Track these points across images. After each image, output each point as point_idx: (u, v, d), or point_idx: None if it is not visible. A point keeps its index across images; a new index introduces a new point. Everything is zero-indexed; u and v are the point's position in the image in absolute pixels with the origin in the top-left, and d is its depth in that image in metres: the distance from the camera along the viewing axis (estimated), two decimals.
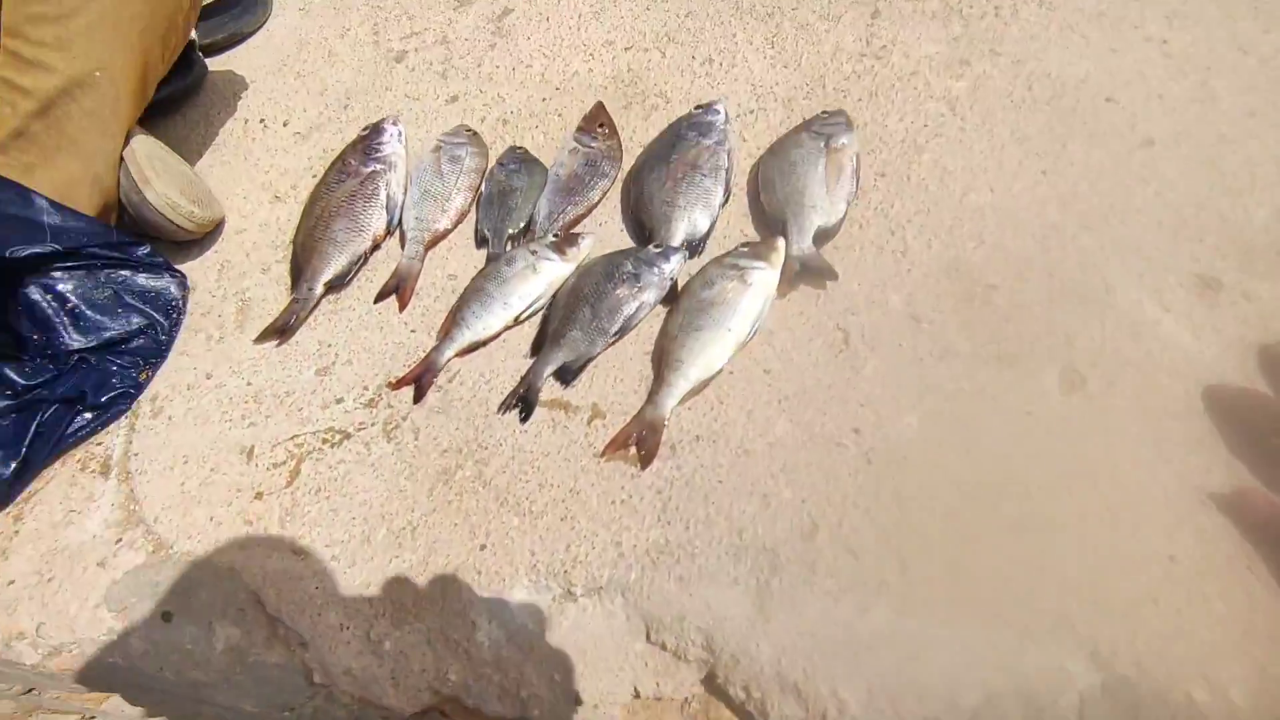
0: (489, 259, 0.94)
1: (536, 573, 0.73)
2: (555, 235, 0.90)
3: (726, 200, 0.91)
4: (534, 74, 1.14)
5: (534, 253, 0.88)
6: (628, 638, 0.70)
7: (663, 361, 0.80)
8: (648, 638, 0.69)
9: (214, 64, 1.34)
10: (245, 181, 1.15)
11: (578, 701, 0.69)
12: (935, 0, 1.04)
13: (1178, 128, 0.85)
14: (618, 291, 0.82)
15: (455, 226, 1.00)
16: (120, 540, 0.85)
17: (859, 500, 0.70)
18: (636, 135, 1.02)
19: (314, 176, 1.12)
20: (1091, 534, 0.64)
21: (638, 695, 0.69)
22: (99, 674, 0.82)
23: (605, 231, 0.95)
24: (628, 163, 0.99)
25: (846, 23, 1.06)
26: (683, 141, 0.91)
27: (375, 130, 1.04)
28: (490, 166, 1.01)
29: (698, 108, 0.95)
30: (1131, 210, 0.80)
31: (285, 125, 1.21)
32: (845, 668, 0.63)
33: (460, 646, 0.72)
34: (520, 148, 1.01)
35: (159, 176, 0.98)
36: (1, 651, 0.83)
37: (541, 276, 0.87)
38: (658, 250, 0.84)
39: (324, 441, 0.87)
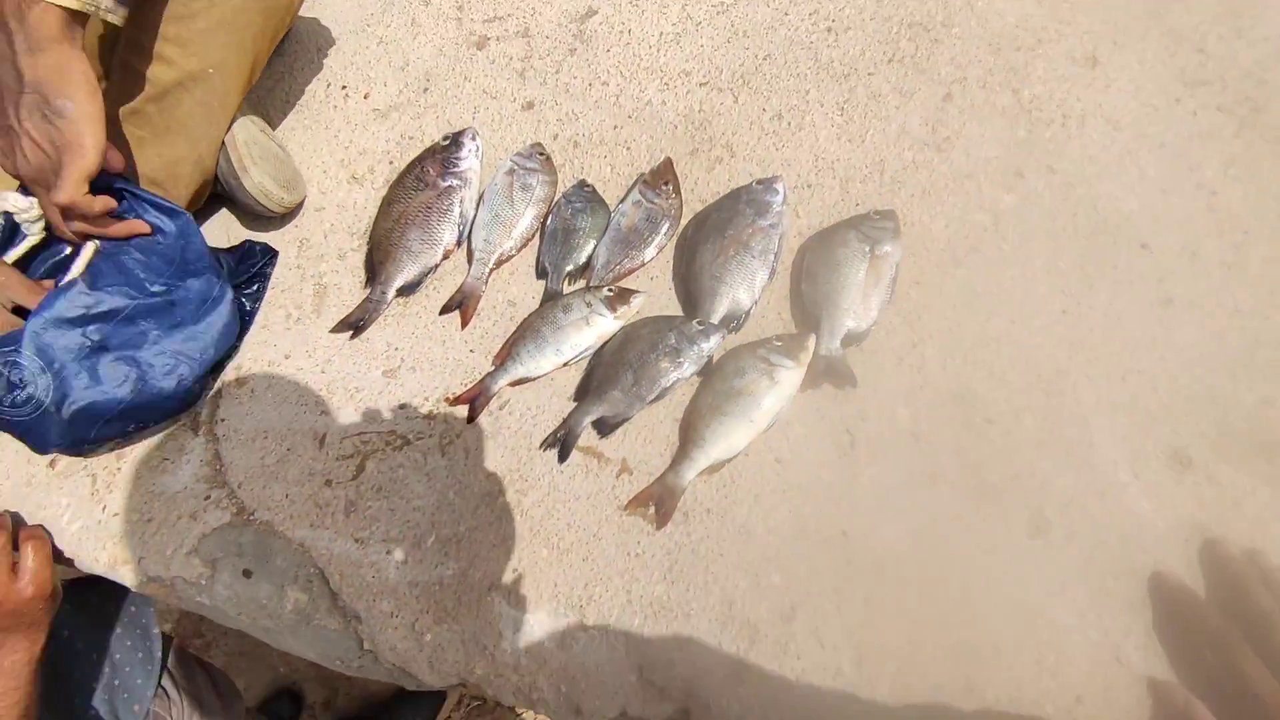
0: (546, 294, 1.03)
1: (557, 601, 0.88)
2: (610, 290, 0.99)
3: (770, 280, 0.98)
4: (609, 94, 1.18)
5: (589, 305, 0.97)
6: (624, 669, 0.85)
7: (689, 435, 0.91)
8: (640, 673, 0.85)
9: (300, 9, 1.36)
10: (325, 155, 1.22)
11: (577, 711, 0.85)
12: (1008, 95, 1.06)
13: (1199, 291, 0.91)
14: (660, 363, 0.92)
15: (520, 250, 1.08)
16: (209, 497, 0.99)
17: (834, 597, 0.83)
18: (698, 188, 1.08)
19: (391, 163, 1.19)
20: (1019, 665, 0.78)
21: (624, 715, 0.85)
22: (187, 606, 1.00)
23: (655, 287, 1.03)
24: (687, 212, 1.06)
25: (918, 101, 1.08)
26: (739, 218, 0.98)
27: (455, 144, 1.09)
28: (558, 198, 1.08)
29: (759, 182, 1.00)
30: (1134, 370, 0.88)
31: (366, 99, 1.26)
32: None
33: (487, 650, 0.88)
34: (588, 185, 1.08)
35: (255, 165, 1.05)
36: (106, 573, 1.00)
37: (593, 329, 0.97)
38: (700, 328, 0.93)
39: (387, 444, 0.99)
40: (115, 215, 0.89)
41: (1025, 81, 1.08)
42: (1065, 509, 0.83)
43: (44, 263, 0.94)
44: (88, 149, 0.78)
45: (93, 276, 0.89)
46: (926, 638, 0.80)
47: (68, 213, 0.85)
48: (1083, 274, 0.94)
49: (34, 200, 0.87)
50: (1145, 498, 0.82)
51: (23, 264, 0.93)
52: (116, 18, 0.79)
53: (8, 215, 0.89)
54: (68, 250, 0.93)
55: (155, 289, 0.93)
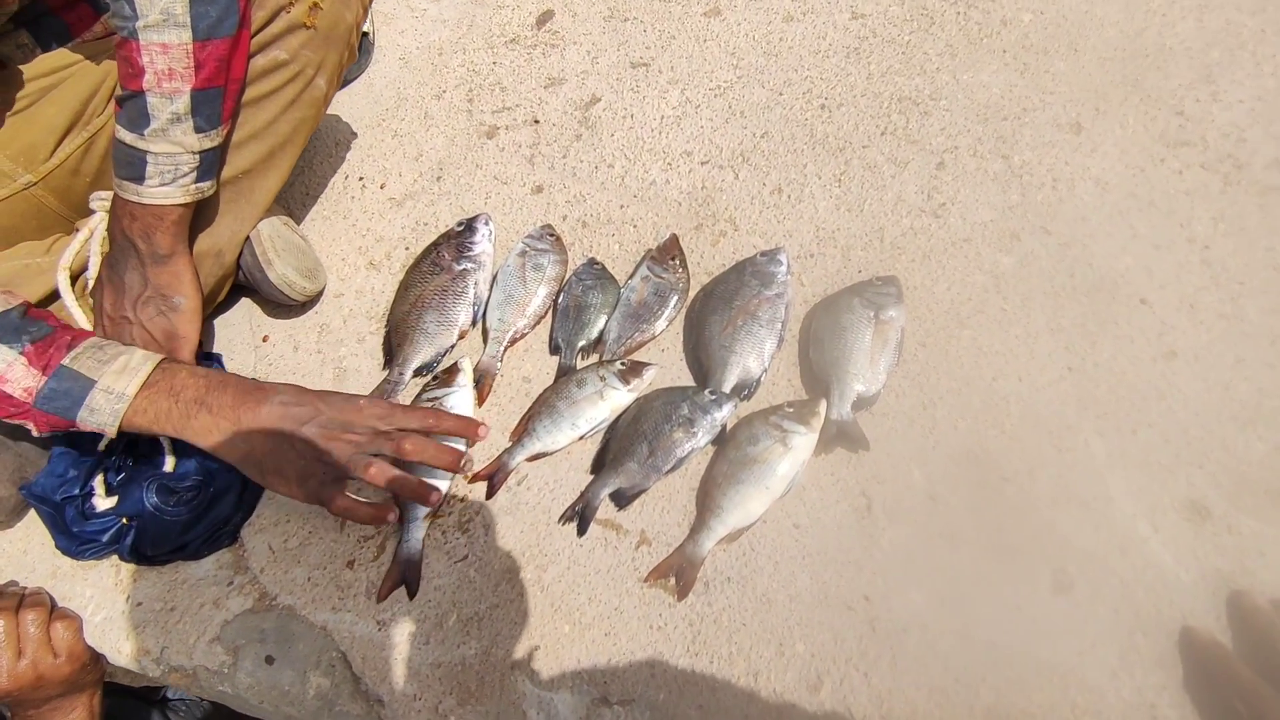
0: (560, 369, 1.06)
1: (580, 678, 0.87)
2: (623, 364, 1.01)
3: (779, 348, 1.00)
4: (615, 175, 1.23)
5: (603, 379, 1.00)
6: None
7: (706, 505, 0.91)
8: None
9: None
10: (344, 243, 1.27)
11: None
12: (999, 162, 1.11)
13: (1201, 343, 0.92)
14: (674, 435, 0.94)
15: (533, 328, 1.11)
16: (231, 583, 1.00)
17: (860, 664, 0.82)
18: (703, 261, 1.12)
19: (407, 249, 1.24)
20: None
21: None
22: (209, 695, 0.99)
23: (666, 358, 1.05)
24: (694, 285, 1.09)
25: (912, 170, 1.13)
26: (745, 289, 1.01)
27: (469, 229, 1.14)
28: (568, 276, 1.12)
29: (762, 254, 1.04)
30: (1144, 423, 0.89)
31: (382, 188, 1.32)
32: None
33: None
34: (598, 263, 1.11)
35: (280, 257, 1.10)
36: (128, 664, 1.00)
37: (607, 403, 0.99)
38: (712, 398, 0.95)
39: None
40: None
41: (1014, 148, 1.13)
42: (1087, 565, 0.83)
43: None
44: (194, 332, 0.98)
45: (181, 460, 1.00)
46: (957, 703, 0.79)
47: None
48: (1085, 330, 0.96)
49: None
50: (1167, 550, 0.82)
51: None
52: (214, 189, 0.98)
53: None
54: (145, 442, 1.02)
55: None
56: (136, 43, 0.84)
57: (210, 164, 0.95)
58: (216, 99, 0.90)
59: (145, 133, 0.88)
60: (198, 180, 0.93)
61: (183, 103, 0.87)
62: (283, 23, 0.96)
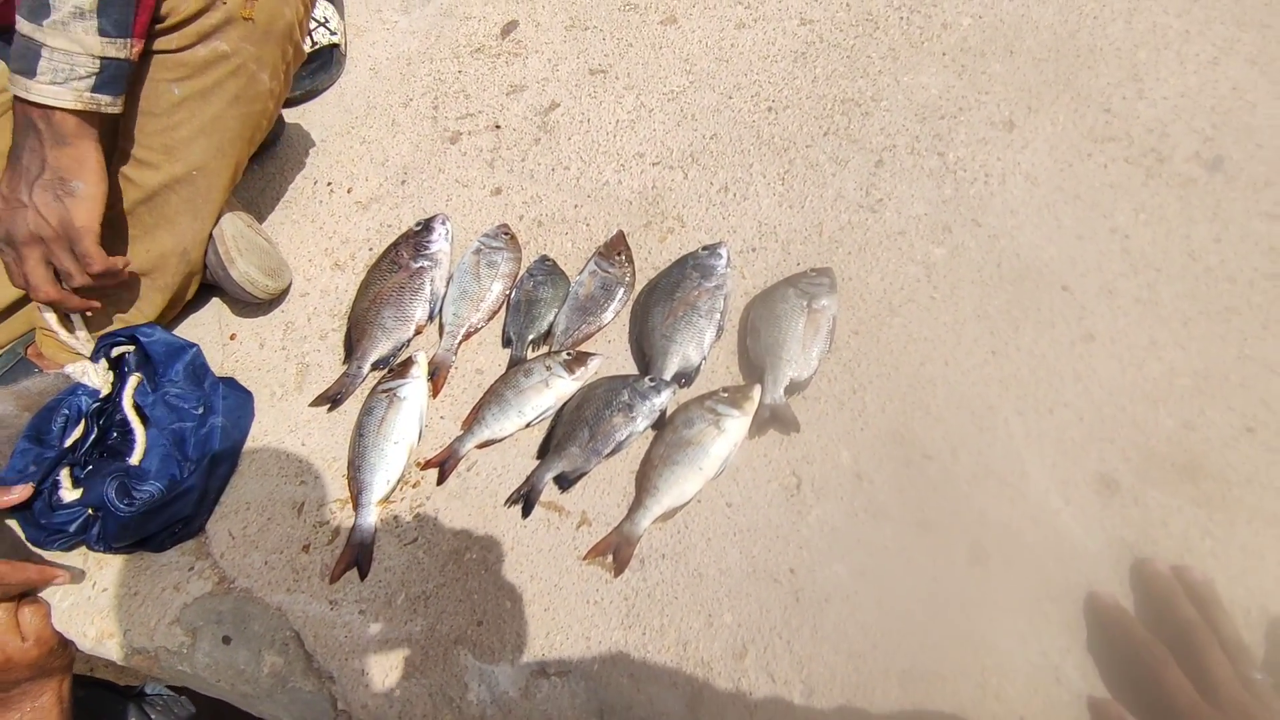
0: (511, 361, 1.10)
1: (519, 651, 0.91)
2: (568, 354, 1.05)
3: (718, 338, 1.04)
4: (570, 177, 1.28)
5: (548, 368, 1.04)
6: (586, 714, 0.87)
7: (643, 486, 0.95)
8: (601, 717, 0.86)
9: (290, 115, 1.50)
10: (310, 245, 1.32)
11: None
12: (934, 159, 1.15)
13: (1118, 326, 0.96)
14: (614, 419, 0.98)
15: (487, 322, 1.15)
16: (192, 568, 1.04)
17: (783, 632, 0.85)
18: (651, 257, 1.16)
19: (371, 249, 1.28)
20: (962, 691, 0.79)
21: None
22: (169, 676, 1.03)
23: (613, 349, 1.09)
24: (641, 280, 1.14)
25: (852, 168, 1.17)
26: (686, 281, 1.05)
27: (427, 228, 1.19)
28: (521, 273, 1.16)
29: (704, 249, 1.08)
30: (1060, 403, 0.92)
31: (349, 192, 1.37)
32: None
33: (454, 702, 0.90)
34: (549, 260, 1.16)
35: (242, 255, 1.15)
36: (93, 647, 1.03)
37: (552, 391, 1.03)
38: (652, 385, 0.99)
39: None
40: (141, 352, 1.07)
41: (950, 145, 1.17)
42: (1002, 538, 0.86)
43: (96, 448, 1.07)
44: (93, 222, 0.94)
45: (148, 455, 1.03)
46: (873, 667, 0.82)
47: (100, 275, 0.99)
48: (1009, 317, 1.00)
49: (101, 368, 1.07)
50: (1076, 522, 0.85)
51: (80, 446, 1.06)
52: (116, 108, 0.94)
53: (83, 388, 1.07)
54: (115, 435, 1.06)
55: (197, 410, 1.07)
56: None
57: (114, 77, 0.90)
58: (128, 2, 0.87)
59: (44, 23, 0.84)
60: (95, 89, 0.88)
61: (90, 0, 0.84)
62: (220, 13, 0.99)
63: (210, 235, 1.15)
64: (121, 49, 0.89)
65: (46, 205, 0.92)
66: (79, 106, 0.88)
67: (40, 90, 0.86)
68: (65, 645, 0.97)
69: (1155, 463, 0.87)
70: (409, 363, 1.10)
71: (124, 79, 0.93)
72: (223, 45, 1.02)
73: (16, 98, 0.88)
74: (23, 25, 0.85)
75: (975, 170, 1.13)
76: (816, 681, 0.82)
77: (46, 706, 0.93)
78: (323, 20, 1.50)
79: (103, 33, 0.87)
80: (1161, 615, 0.76)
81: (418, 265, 1.16)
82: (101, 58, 0.88)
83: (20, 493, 0.97)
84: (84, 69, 0.87)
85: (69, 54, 0.86)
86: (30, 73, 0.86)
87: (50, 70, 0.86)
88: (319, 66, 1.52)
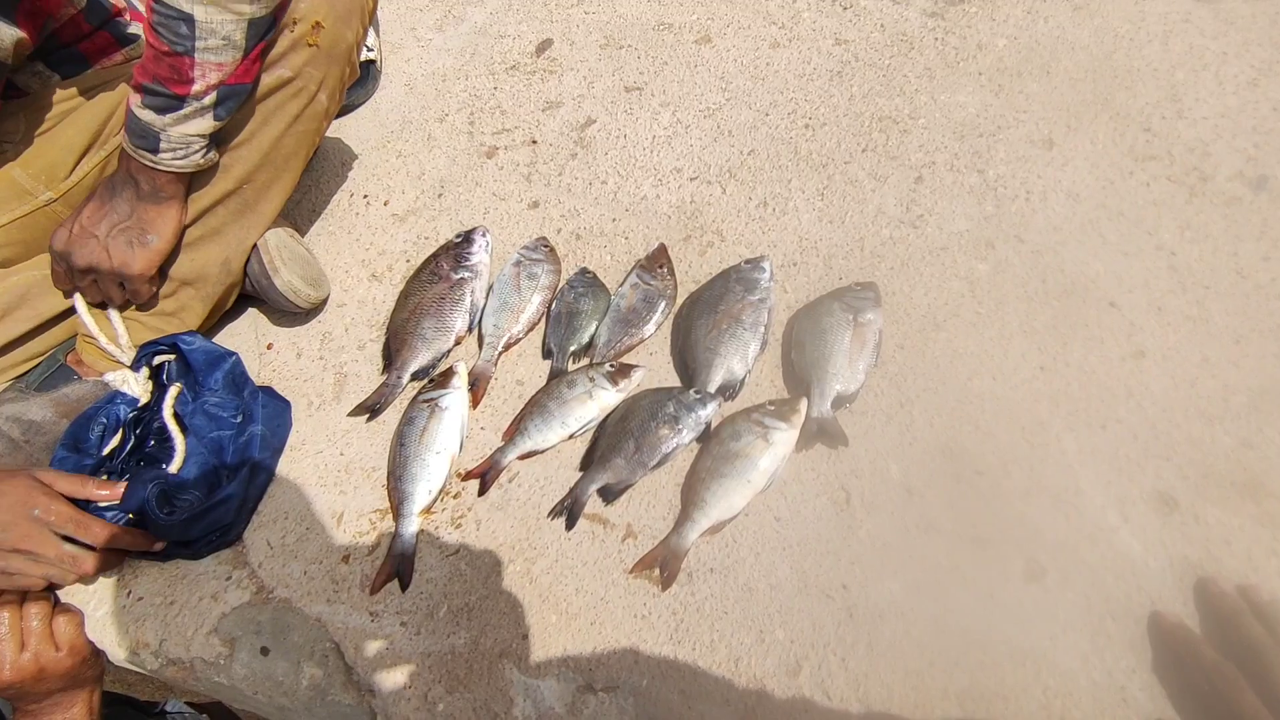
0: (552, 372, 1.10)
1: (565, 665, 0.89)
2: (611, 366, 1.05)
3: (762, 351, 1.04)
4: (608, 191, 1.29)
5: (592, 379, 1.03)
6: None
7: (690, 498, 0.94)
8: None
9: (328, 131, 1.51)
10: (348, 256, 1.33)
11: None
12: (974, 176, 1.15)
13: (1169, 343, 0.96)
14: (660, 431, 0.97)
15: (527, 334, 1.15)
16: (230, 578, 1.03)
17: (838, 649, 0.84)
18: (691, 270, 1.16)
19: (408, 261, 1.29)
20: (1025, 711, 0.78)
21: None
22: (205, 688, 1.01)
23: (655, 361, 1.09)
24: (682, 293, 1.13)
25: (891, 184, 1.18)
26: (730, 294, 1.05)
27: (467, 239, 1.19)
28: (561, 285, 1.16)
29: (747, 262, 1.08)
30: (1113, 419, 0.92)
31: (385, 205, 1.38)
32: None
33: (499, 717, 0.89)
34: (589, 271, 1.16)
35: (285, 265, 1.15)
36: (127, 658, 1.02)
37: (595, 402, 1.02)
38: (697, 397, 0.99)
39: None
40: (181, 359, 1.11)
41: (989, 163, 1.18)
42: (1058, 554, 0.85)
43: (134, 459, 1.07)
44: (151, 268, 1.04)
45: (187, 463, 1.04)
46: (931, 686, 0.80)
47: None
48: (1056, 332, 0.99)
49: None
50: (1135, 539, 0.84)
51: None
52: (213, 160, 1.04)
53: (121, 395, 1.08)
54: (153, 443, 1.06)
55: (236, 418, 1.08)
56: (192, 59, 0.91)
57: (218, 138, 1.02)
58: (242, 93, 0.98)
59: (168, 117, 0.94)
60: (205, 153, 1.00)
61: (211, 98, 0.94)
62: (287, 40, 1.02)
63: (254, 245, 1.15)
64: (225, 121, 1.00)
65: (117, 247, 1.00)
66: (197, 169, 1.00)
67: (166, 163, 0.97)
68: (98, 655, 0.97)
69: (1214, 480, 0.86)
70: (450, 373, 1.09)
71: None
72: (286, 71, 1.04)
73: (134, 160, 0.97)
74: (144, 113, 0.93)
75: (1016, 187, 1.13)
76: (874, 700, 0.81)
77: (77, 718, 0.92)
78: None
79: (216, 119, 0.97)
80: (1228, 635, 0.75)
81: (458, 276, 1.16)
82: (210, 134, 0.99)
83: (113, 491, 0.98)
84: (198, 145, 0.98)
85: (186, 139, 0.96)
86: (154, 151, 0.96)
87: (170, 151, 0.96)
88: (355, 82, 1.53)
